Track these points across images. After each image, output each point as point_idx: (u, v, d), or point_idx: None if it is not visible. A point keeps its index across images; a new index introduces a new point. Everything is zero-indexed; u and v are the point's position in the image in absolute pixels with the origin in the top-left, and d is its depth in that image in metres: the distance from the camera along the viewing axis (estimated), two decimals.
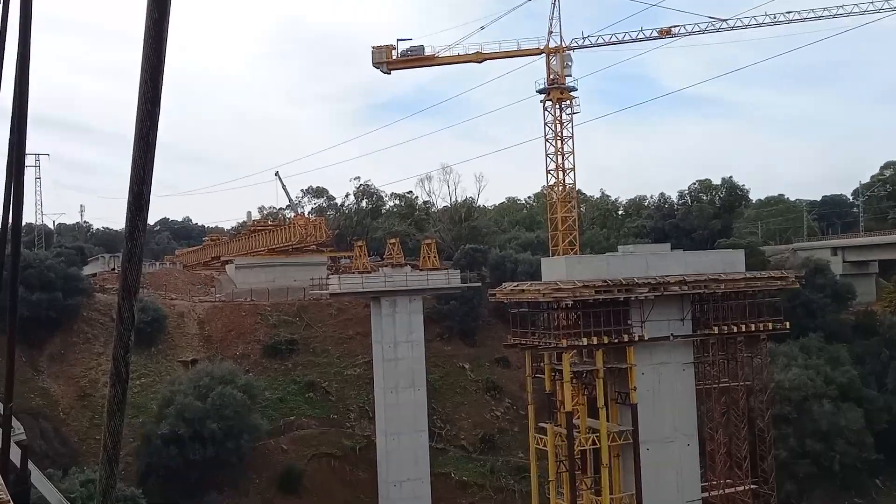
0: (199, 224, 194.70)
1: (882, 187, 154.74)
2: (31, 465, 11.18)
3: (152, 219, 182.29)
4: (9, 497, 6.71)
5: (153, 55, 3.65)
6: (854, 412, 77.83)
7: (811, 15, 75.66)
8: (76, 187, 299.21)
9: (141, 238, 3.92)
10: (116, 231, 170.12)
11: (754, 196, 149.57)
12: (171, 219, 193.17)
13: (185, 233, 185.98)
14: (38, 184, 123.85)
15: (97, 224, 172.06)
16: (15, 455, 10.95)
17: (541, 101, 73.32)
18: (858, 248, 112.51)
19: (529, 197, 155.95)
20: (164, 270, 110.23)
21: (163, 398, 67.37)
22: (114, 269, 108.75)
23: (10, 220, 10.01)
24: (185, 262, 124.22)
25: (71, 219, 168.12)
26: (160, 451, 62.95)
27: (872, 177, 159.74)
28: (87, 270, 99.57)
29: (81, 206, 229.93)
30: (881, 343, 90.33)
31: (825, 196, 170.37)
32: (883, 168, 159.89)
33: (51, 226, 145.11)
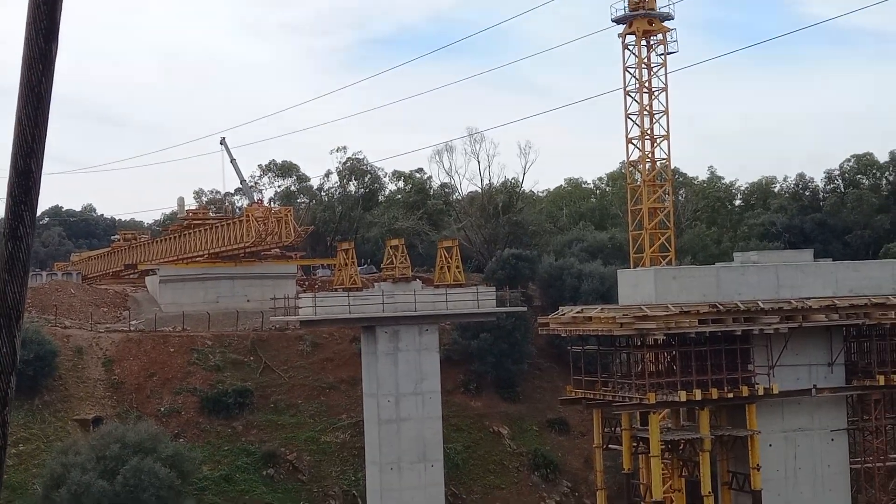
0: (107, 216, 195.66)
1: None
2: None
3: (42, 206, 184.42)
4: None
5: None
6: None
7: None
8: None
9: (28, 236, 3.89)
10: None
11: None
12: (65, 208, 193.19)
13: (85, 228, 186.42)
14: None
15: None
16: None
17: (619, 36, 73.23)
18: None
19: (601, 178, 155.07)
20: (53, 284, 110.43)
21: (50, 475, 67.61)
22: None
23: None
24: (84, 272, 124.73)
25: None
26: None
27: None
28: None
29: None
30: None
31: None
32: None
33: None
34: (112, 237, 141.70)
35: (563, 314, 42.90)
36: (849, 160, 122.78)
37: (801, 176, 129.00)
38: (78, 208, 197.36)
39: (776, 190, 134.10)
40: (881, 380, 41.17)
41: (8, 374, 4.19)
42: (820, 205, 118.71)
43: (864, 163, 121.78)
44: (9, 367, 4.05)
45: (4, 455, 4.43)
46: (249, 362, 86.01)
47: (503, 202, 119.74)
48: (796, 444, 40.65)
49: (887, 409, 42.97)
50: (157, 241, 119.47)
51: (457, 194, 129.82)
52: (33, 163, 3.79)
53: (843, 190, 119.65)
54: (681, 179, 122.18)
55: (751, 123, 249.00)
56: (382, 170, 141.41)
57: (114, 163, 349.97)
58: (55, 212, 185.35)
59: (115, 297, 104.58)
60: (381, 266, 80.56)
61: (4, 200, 3.86)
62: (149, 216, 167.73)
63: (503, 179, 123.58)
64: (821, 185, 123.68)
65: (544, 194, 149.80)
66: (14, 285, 4.07)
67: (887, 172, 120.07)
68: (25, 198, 3.75)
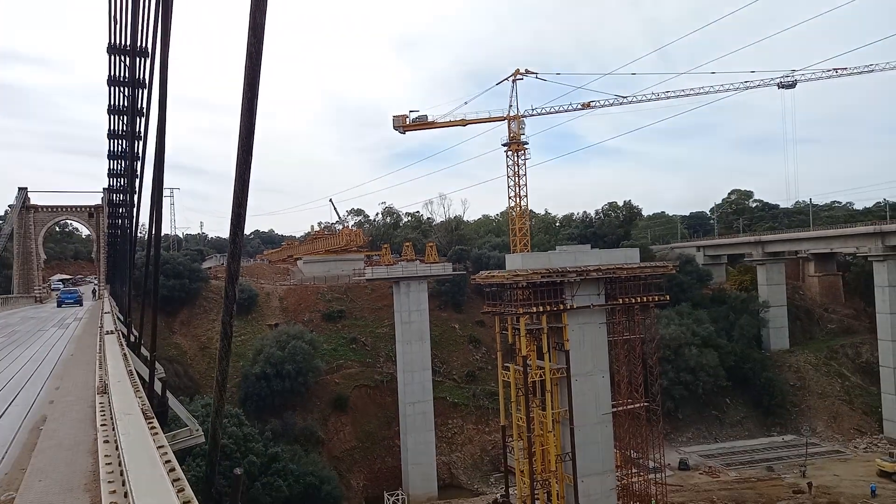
0: (280, 233, 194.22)
1: (729, 206, 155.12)
2: (168, 394, 11.26)
3: (248, 230, 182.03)
4: (153, 414, 6.79)
5: (247, 120, 3.76)
6: (711, 355, 78.11)
7: (682, 93, 75.86)
8: (196, 209, 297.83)
9: (240, 242, 4.07)
10: (224, 238, 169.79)
11: (645, 212, 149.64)
12: (260, 230, 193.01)
13: (269, 239, 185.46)
14: (172, 209, 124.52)
15: (211, 234, 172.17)
16: (158, 387, 11.04)
17: (504, 151, 73.32)
18: (713, 247, 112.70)
19: (497, 214, 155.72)
20: (255, 264, 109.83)
21: (255, 349, 67.29)
22: (223, 264, 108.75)
23: (153, 232, 10.14)
24: (270, 259, 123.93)
25: (194, 231, 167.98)
26: (253, 384, 62.99)
27: (723, 199, 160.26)
28: (206, 265, 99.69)
29: (201, 222, 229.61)
30: (728, 309, 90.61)
31: (692, 212, 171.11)
32: (730, 193, 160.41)
33: (180, 236, 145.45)
34: (282, 243, 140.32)
35: (482, 274, 42.81)
36: (605, 204, 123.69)
37: (584, 212, 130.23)
38: (266, 230, 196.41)
39: (574, 218, 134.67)
40: (620, 301, 41.40)
41: (232, 303, 4.30)
42: (593, 224, 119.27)
43: (613, 206, 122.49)
44: (232, 300, 4.18)
45: (231, 340, 4.57)
46: (343, 298, 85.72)
47: (455, 225, 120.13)
48: (584, 330, 40.68)
49: (623, 314, 43.06)
50: (302, 244, 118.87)
51: (434, 222, 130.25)
52: (242, 210, 3.89)
53: (602, 218, 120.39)
54: (532, 215, 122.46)
55: (564, 189, 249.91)
56: (401, 212, 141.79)
57: (282, 210, 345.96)
58: (256, 232, 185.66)
59: (283, 269, 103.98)
60: (402, 255, 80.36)
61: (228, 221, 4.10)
62: (298, 233, 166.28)
63: (455, 216, 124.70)
64: (593, 216, 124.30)
65: (473, 222, 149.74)
66: (234, 265, 4.17)
67: (622, 210, 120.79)
68: (239, 226, 3.86)
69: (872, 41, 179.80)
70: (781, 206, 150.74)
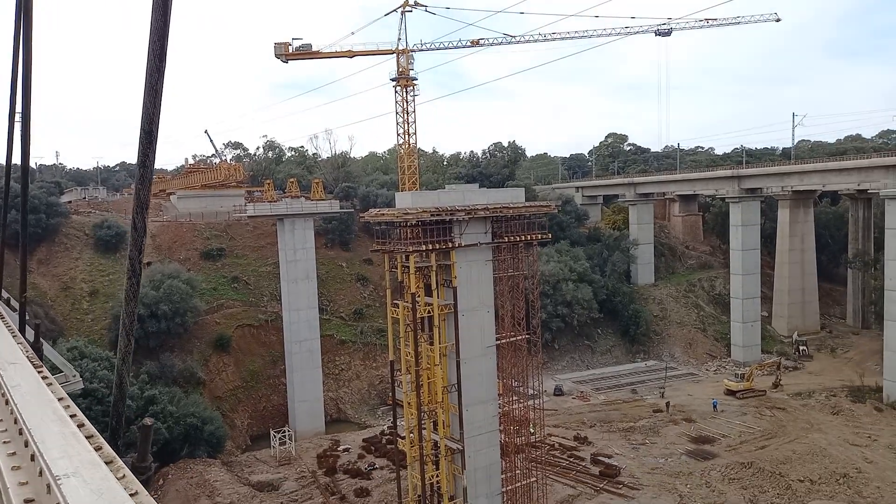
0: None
1: (606, 149, 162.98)
2: (42, 340, 10.39)
3: (113, 161, 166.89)
4: (41, 363, 6.28)
5: (160, 19, 3.30)
6: (586, 289, 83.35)
7: (568, 36, 77.36)
8: (50, 135, 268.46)
9: (151, 165, 3.64)
10: (85, 171, 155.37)
11: (529, 153, 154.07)
12: (127, 162, 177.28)
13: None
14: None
15: (70, 165, 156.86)
16: (30, 333, 10.14)
17: (393, 87, 71.79)
18: (591, 187, 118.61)
19: (385, 151, 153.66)
20: (122, 199, 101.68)
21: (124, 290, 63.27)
22: (84, 198, 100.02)
23: (7, 158, 9.07)
24: None
25: (48, 161, 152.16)
26: None
27: (600, 142, 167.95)
28: (65, 199, 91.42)
29: (56, 151, 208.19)
30: (603, 247, 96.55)
31: (572, 154, 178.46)
32: (607, 136, 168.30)
33: (33, 166, 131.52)
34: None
35: (371, 212, 42.31)
36: (491, 145, 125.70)
37: (471, 152, 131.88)
38: (133, 162, 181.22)
39: (461, 157, 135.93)
40: (506, 239, 42.56)
41: (142, 236, 3.93)
42: (480, 164, 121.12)
43: (498, 146, 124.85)
44: (142, 232, 3.81)
45: (140, 278, 4.21)
46: (223, 235, 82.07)
47: (341, 162, 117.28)
48: (471, 267, 41.53)
49: (508, 251, 44.18)
50: (175, 178, 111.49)
51: (320, 158, 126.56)
52: (153, 127, 3.48)
53: (489, 157, 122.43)
54: (421, 153, 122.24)
55: (452, 128, 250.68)
56: (284, 146, 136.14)
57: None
58: (123, 164, 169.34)
59: (155, 205, 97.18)
60: (285, 191, 77.51)
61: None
62: (171, 167, 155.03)
63: (341, 151, 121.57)
64: (480, 155, 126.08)
65: (360, 159, 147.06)
66: (144, 191, 3.78)
67: (507, 151, 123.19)
68: (150, 145, 3.44)
69: None
70: (653, 150, 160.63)
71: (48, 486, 2.46)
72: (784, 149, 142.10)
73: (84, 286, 69.93)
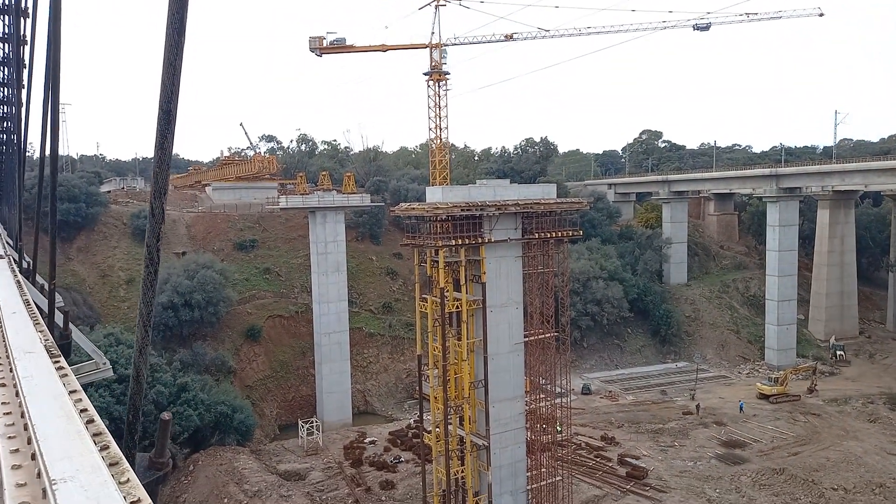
0: (185, 158, 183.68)
1: (640, 146, 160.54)
2: (71, 326, 10.43)
3: (149, 153, 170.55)
4: (59, 352, 6.19)
5: None
6: (617, 287, 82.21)
7: (602, 30, 76.15)
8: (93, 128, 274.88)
9: (170, 147, 3.42)
10: (124, 161, 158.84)
11: (561, 149, 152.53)
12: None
13: (174, 164, 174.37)
14: (64, 126, 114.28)
15: (110, 156, 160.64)
16: (58, 318, 10.19)
17: (426, 81, 71.57)
18: (624, 185, 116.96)
19: (417, 146, 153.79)
20: None
21: (161, 278, 64.35)
22: (123, 188, 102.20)
23: (46, 146, 9.06)
24: (175, 185, 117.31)
25: (89, 152, 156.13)
26: (161, 314, 60.52)
27: (634, 139, 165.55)
28: (104, 188, 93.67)
29: (97, 142, 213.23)
30: (635, 245, 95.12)
31: (605, 150, 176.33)
32: (641, 133, 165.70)
33: (74, 157, 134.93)
34: (188, 168, 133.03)
35: (402, 206, 42.27)
36: (523, 141, 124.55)
37: (503, 147, 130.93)
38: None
39: (493, 153, 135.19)
40: (536, 235, 42.14)
41: (159, 224, 3.78)
42: (511, 160, 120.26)
43: (530, 142, 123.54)
44: (160, 219, 3.64)
45: (158, 266, 4.06)
46: (256, 227, 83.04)
47: (373, 156, 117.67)
48: (500, 263, 41.26)
49: (538, 248, 43.74)
50: (211, 170, 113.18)
51: (352, 152, 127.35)
52: (172, 106, 3.25)
53: (521, 153, 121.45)
54: (452, 148, 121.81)
55: (484, 122, 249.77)
56: (317, 139, 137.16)
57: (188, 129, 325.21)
58: None
59: (190, 196, 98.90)
60: (318, 184, 77.99)
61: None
62: (206, 158, 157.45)
63: (373, 146, 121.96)
64: (511, 151, 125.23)
65: (392, 153, 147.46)
66: (162, 176, 3.62)
67: (539, 146, 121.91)
68: (168, 125, 3.22)
69: None
70: (688, 147, 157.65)
71: (44, 490, 2.30)
72: (825, 147, 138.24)
73: (122, 274, 71.44)
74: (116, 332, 51.10)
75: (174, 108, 3.25)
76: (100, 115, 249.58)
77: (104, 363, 12.56)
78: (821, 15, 79.42)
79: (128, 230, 77.11)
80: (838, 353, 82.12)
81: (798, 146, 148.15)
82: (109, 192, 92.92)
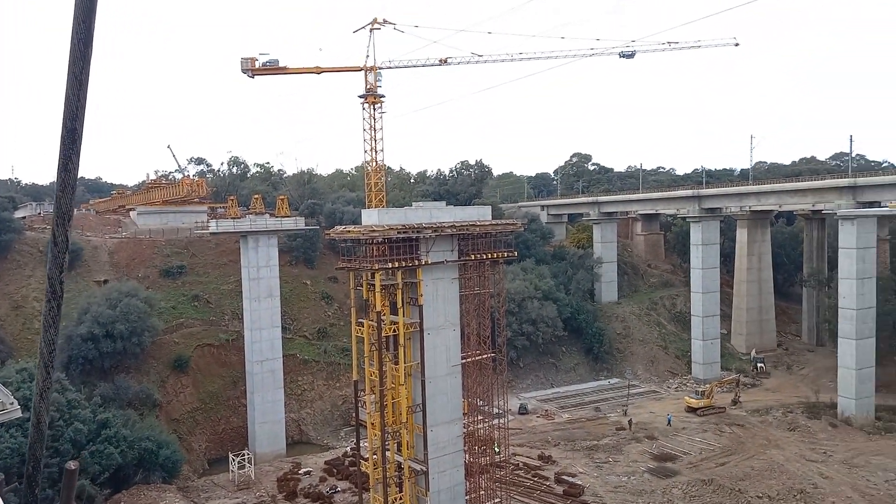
0: (108, 181, 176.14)
1: (571, 168, 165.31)
2: None
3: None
4: None
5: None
6: (551, 307, 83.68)
7: (534, 56, 78.29)
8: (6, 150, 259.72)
9: (74, 170, 3.10)
10: (42, 186, 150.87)
11: (496, 172, 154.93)
12: (86, 177, 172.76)
13: (97, 188, 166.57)
14: None
15: (25, 180, 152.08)
16: None
17: (361, 104, 71.47)
18: (556, 206, 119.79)
19: (352, 168, 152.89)
20: (80, 215, 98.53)
21: (81, 308, 60.93)
22: (40, 213, 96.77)
23: None
24: (97, 209, 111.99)
25: (4, 175, 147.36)
26: (79, 346, 57.20)
27: (565, 161, 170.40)
28: (19, 214, 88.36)
29: (12, 165, 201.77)
30: (567, 265, 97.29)
31: (537, 173, 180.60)
32: (571, 156, 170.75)
33: None
34: (112, 192, 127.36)
35: (337, 229, 41.79)
36: (458, 163, 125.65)
37: (438, 169, 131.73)
38: (93, 178, 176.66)
39: (429, 175, 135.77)
40: (472, 256, 42.46)
41: (63, 253, 3.46)
42: (447, 182, 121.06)
43: (465, 164, 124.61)
44: (63, 248, 3.33)
45: (61, 301, 3.75)
46: (184, 252, 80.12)
47: (307, 178, 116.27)
48: (437, 285, 41.31)
49: (474, 269, 44.08)
50: (136, 194, 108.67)
51: (285, 174, 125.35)
52: (77, 124, 2.97)
53: (456, 175, 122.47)
54: (388, 170, 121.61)
55: (419, 145, 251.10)
56: (247, 162, 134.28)
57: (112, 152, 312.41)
58: (80, 179, 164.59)
59: (113, 221, 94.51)
60: (249, 208, 76.07)
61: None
62: (131, 182, 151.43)
63: (307, 168, 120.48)
64: (447, 173, 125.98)
65: (326, 175, 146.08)
66: (65, 200, 3.34)
67: (474, 169, 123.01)
68: (73, 145, 2.92)
69: (699, 17, 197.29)
70: (616, 169, 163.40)
71: None
72: (742, 170, 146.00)
73: (36, 305, 67.24)
74: (31, 368, 47.86)
75: (80, 126, 3.00)
76: (16, 137, 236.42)
77: (11, 403, 11.68)
78: (736, 45, 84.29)
79: (44, 258, 72.80)
80: (759, 365, 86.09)
81: (717, 168, 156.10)
82: (24, 217, 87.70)
